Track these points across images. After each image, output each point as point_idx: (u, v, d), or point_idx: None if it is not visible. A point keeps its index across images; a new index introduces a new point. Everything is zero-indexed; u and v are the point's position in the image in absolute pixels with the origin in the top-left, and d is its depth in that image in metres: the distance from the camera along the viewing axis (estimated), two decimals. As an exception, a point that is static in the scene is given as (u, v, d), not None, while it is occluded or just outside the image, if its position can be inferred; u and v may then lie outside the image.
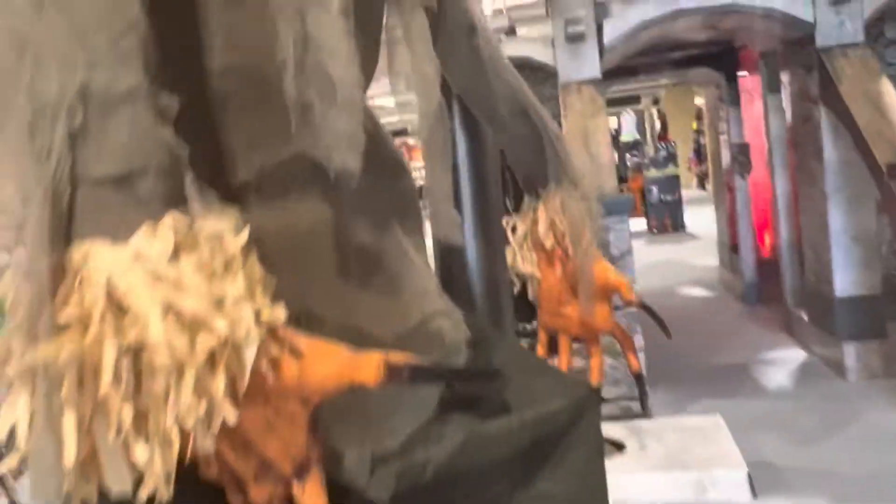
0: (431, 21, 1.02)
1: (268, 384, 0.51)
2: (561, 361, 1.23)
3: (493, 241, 1.33)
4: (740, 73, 5.99)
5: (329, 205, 0.71)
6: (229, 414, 0.46)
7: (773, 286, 5.60)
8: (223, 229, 0.49)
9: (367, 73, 0.90)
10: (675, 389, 4.12)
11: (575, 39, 3.95)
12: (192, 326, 0.45)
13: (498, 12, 4.82)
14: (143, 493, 0.44)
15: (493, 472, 0.89)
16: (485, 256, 1.37)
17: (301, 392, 0.53)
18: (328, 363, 0.55)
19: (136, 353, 0.43)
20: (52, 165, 0.43)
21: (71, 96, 0.44)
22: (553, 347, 1.25)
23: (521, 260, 1.20)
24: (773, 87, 5.09)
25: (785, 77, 4.76)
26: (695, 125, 16.41)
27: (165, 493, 0.44)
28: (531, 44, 4.30)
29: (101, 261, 0.44)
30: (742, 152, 5.81)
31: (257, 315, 0.51)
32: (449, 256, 1.48)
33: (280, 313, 0.52)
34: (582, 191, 1.17)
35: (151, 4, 0.65)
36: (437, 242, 1.70)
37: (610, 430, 1.60)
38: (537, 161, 1.15)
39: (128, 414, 0.43)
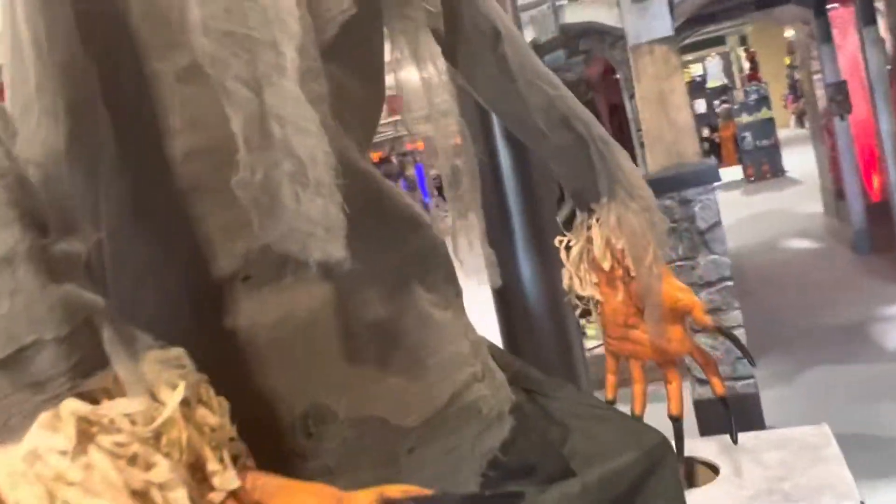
0: (448, 35, 0.91)
1: None
2: (635, 391, 1.10)
3: (548, 259, 1.22)
4: (830, 6, 5.54)
5: (330, 284, 0.63)
6: None
7: (885, 232, 5.19)
8: (142, 402, 0.41)
9: (372, 116, 0.81)
10: (781, 357, 3.88)
11: (641, -3, 3.71)
12: None
13: (559, -24, 4.61)
14: None
15: None
16: (541, 276, 1.26)
17: None
18: None
19: None
20: None
21: None
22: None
23: (578, 282, 1.07)
24: (867, 18, 4.67)
25: (881, 6, 4.35)
26: (788, 59, 15.49)
27: None
28: (596, 7, 4.08)
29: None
30: (839, 92, 5.39)
31: (210, 481, 0.43)
32: (503, 282, 1.38)
33: (231, 480, 0.43)
34: (641, 201, 1.03)
35: (103, 84, 0.58)
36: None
37: (701, 447, 1.46)
38: (586, 173, 1.02)
39: None
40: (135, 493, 0.39)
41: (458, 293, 0.82)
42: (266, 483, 0.47)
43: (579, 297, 1.09)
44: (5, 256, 0.39)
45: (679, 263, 3.00)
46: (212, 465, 0.43)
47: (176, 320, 0.61)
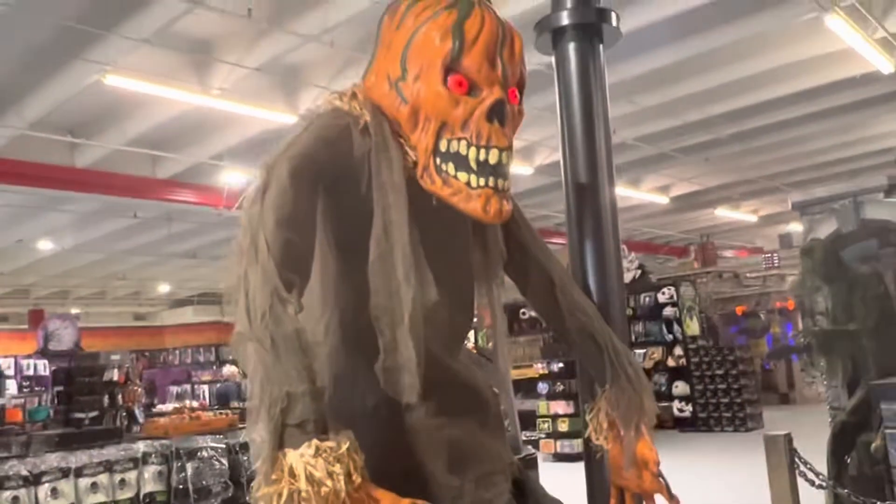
0: (519, 282, 1.74)
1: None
2: None
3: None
4: None
5: (423, 412, 1.51)
6: None
7: None
8: (336, 446, 1.23)
9: (462, 332, 1.69)
10: None
11: (937, 202, 3.84)
12: (319, 482, 1.21)
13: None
14: None
15: None
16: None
17: None
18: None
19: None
20: (274, 423, 1.24)
21: (283, 396, 1.25)
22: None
23: (594, 434, 1.75)
24: None
25: None
26: None
27: None
28: (894, 207, 4.26)
29: (291, 459, 1.16)
30: None
31: (349, 479, 1.26)
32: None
33: (358, 479, 1.26)
34: (634, 389, 1.68)
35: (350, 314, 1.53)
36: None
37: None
38: (601, 367, 1.72)
39: None
40: (327, 475, 1.23)
41: (503, 432, 1.64)
42: (374, 489, 1.30)
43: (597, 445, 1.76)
44: (302, 392, 1.25)
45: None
46: (356, 477, 1.27)
47: (366, 416, 1.51)
